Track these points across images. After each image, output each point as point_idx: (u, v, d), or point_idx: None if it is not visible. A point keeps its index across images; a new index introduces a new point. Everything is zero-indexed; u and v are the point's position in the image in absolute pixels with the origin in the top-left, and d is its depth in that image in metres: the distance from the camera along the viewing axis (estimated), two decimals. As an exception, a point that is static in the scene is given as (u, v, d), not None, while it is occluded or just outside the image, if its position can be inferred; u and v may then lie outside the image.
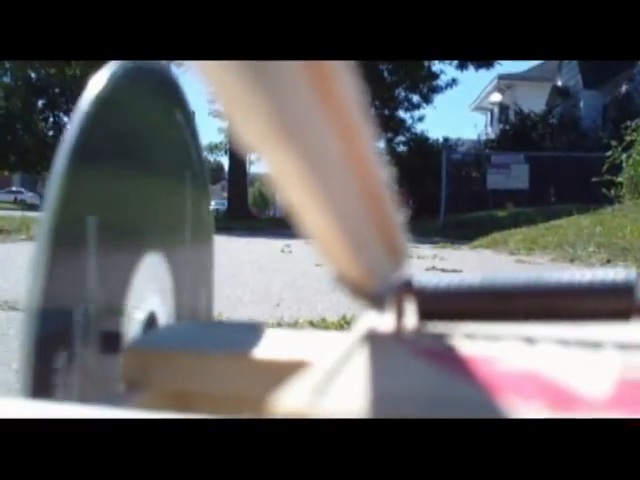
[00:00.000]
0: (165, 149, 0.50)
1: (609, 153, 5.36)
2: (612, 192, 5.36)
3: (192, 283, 0.54)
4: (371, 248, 0.33)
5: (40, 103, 19.00)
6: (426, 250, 4.24)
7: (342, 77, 0.25)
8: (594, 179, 5.42)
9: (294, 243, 4.35)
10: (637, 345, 0.30)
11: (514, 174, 9.43)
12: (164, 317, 0.48)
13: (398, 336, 0.32)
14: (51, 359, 0.36)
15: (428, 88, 15.09)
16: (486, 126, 17.92)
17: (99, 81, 0.39)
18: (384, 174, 0.31)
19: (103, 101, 0.39)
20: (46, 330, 0.35)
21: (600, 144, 9.78)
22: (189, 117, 0.52)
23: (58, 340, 0.37)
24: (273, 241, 4.81)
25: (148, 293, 0.46)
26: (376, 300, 0.33)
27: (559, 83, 13.80)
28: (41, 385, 0.35)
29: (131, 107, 0.44)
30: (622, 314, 0.32)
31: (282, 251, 3.94)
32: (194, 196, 0.54)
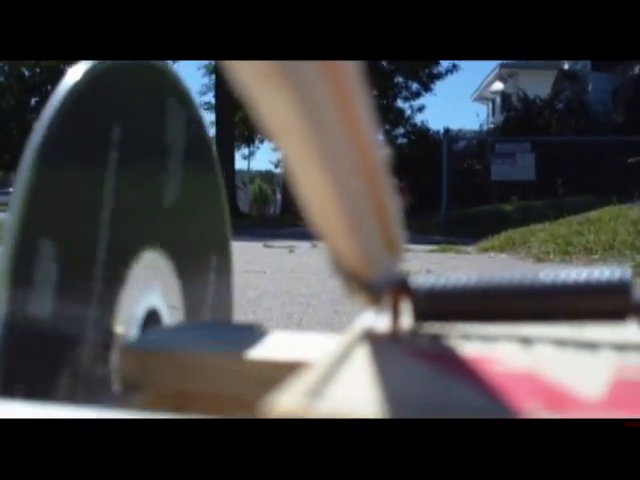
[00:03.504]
0: (168, 144, 0.48)
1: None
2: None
3: (206, 286, 0.53)
4: (369, 232, 0.32)
5: (33, 101, 18.14)
6: (422, 257, 3.20)
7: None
8: (630, 160, 4.37)
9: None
10: (633, 345, 0.30)
11: (520, 164, 8.64)
12: (168, 317, 0.48)
13: (394, 337, 0.32)
14: (43, 359, 0.36)
15: (428, 75, 14.17)
16: (488, 116, 17.06)
17: (76, 75, 0.38)
18: (383, 161, 0.31)
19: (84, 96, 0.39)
20: (39, 331, 0.36)
21: (612, 128, 8.90)
22: (189, 105, 0.51)
23: (53, 341, 0.37)
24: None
25: (150, 292, 0.46)
26: (372, 292, 0.33)
27: (565, 67, 12.91)
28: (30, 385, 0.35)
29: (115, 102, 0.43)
30: (618, 314, 0.32)
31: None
32: (205, 193, 0.53)
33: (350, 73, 0.26)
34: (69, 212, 0.39)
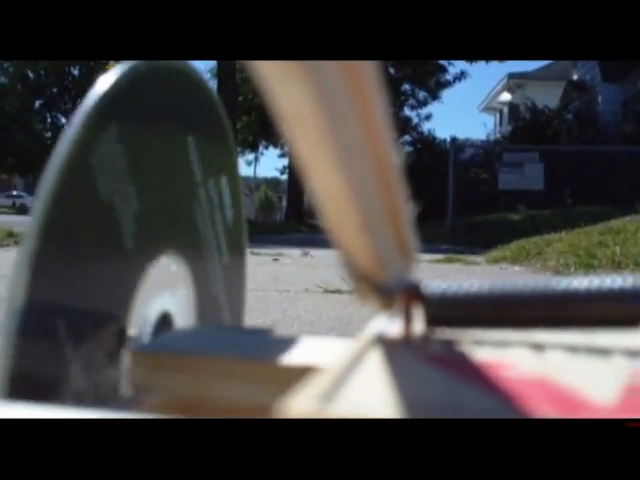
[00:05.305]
0: (189, 151, 0.49)
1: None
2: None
3: (218, 289, 0.54)
4: (381, 233, 0.32)
5: (37, 103, 18.05)
6: (426, 269, 2.97)
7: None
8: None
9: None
10: None
11: (528, 173, 8.50)
12: (181, 321, 0.48)
13: (407, 342, 0.32)
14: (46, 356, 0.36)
15: (435, 82, 14.04)
16: (495, 127, 16.93)
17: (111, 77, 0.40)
18: (397, 163, 0.31)
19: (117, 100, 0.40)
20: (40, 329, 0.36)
21: (621, 140, 8.77)
22: (217, 115, 0.52)
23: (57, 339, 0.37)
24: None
25: (164, 295, 0.46)
26: (384, 296, 0.33)
27: (575, 77, 12.76)
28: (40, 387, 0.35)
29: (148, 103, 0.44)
30: (630, 321, 0.32)
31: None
32: (220, 200, 0.54)
33: (368, 72, 0.26)
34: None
